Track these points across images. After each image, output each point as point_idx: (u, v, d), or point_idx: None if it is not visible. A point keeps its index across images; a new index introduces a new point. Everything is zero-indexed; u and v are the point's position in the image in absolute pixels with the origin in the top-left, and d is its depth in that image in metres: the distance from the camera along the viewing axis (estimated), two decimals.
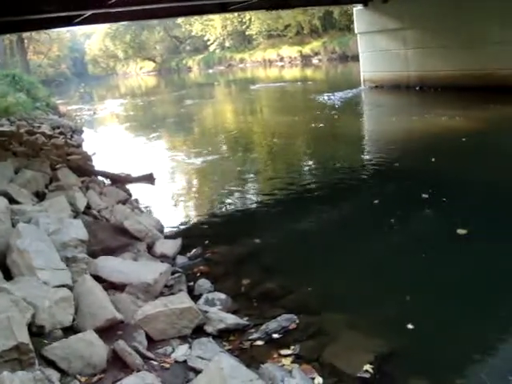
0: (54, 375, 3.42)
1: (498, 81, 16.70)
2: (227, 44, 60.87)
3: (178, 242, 6.41)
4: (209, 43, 61.53)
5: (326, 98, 20.21)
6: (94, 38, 74.95)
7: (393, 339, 4.30)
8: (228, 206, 8.10)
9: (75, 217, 6.32)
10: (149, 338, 4.22)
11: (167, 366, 3.91)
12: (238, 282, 5.50)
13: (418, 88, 19.82)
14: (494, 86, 16.60)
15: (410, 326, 4.47)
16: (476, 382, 3.71)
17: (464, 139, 10.84)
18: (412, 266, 5.67)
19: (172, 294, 4.97)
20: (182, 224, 7.55)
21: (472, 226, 6.22)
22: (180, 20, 58.57)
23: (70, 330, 4.01)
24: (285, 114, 18.64)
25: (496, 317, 4.54)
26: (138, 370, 3.65)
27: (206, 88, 36.20)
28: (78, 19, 13.19)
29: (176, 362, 3.98)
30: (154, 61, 71.75)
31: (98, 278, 4.84)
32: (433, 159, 9.36)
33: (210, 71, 57.29)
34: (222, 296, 5.07)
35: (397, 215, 7.02)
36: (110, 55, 72.60)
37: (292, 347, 4.26)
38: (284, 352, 4.19)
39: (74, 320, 4.12)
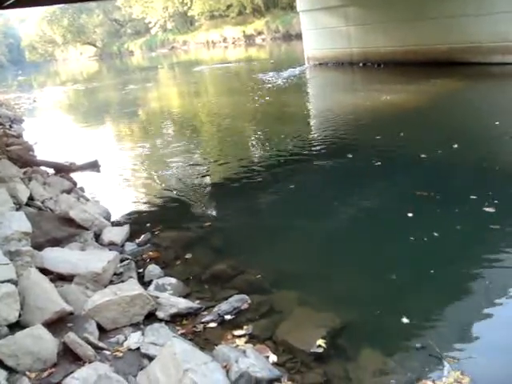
0: (1, 374, 3.33)
1: (436, 56, 17.11)
2: (169, 26, 59.91)
3: (126, 228, 6.32)
4: (150, 26, 60.39)
5: (270, 77, 20.23)
6: (29, 23, 72.24)
7: (344, 313, 4.37)
8: (176, 191, 8.02)
9: (18, 209, 6.13)
10: (100, 327, 4.16)
11: (120, 354, 3.87)
12: (189, 265, 5.49)
13: (361, 64, 20.08)
14: (433, 60, 17.02)
15: (360, 300, 4.59)
16: (423, 349, 3.82)
17: (407, 113, 11.07)
18: (361, 241, 5.77)
19: (122, 281, 4.90)
20: (129, 210, 7.43)
21: (420, 200, 6.41)
22: (119, 2, 57.19)
23: (17, 326, 3.90)
24: (230, 94, 18.57)
25: (441, 286, 4.68)
26: (91, 361, 3.60)
27: (150, 72, 35.54)
28: (7, 2, 12.61)
29: (129, 350, 3.94)
30: (95, 45, 69.98)
31: (44, 271, 4.73)
32: (378, 136, 9.53)
33: (153, 54, 56.33)
34: (173, 281, 5.04)
35: (346, 190, 7.15)
36: (48, 40, 70.22)
37: (245, 327, 4.28)
38: (237, 333, 4.21)
39: (20, 315, 4.00)
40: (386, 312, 4.38)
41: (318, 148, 9.62)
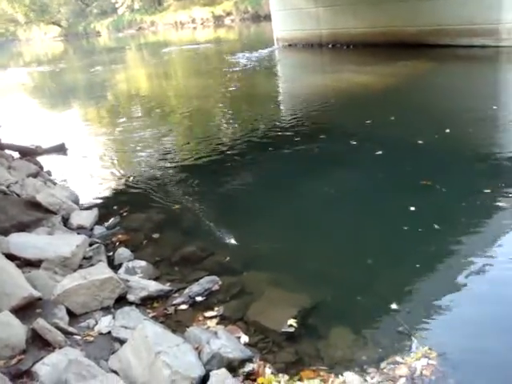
0: None
1: (405, 38, 17.23)
2: (137, 6, 58.77)
3: (95, 212, 6.24)
4: (117, 6, 59.14)
5: (240, 58, 20.10)
6: None
7: (315, 293, 4.42)
8: (145, 173, 7.94)
9: None
10: (70, 312, 4.12)
11: (91, 339, 3.85)
12: (159, 248, 5.47)
13: (330, 46, 20.09)
14: (402, 42, 17.14)
15: (330, 279, 4.65)
16: (392, 326, 3.89)
17: (377, 95, 11.15)
18: (332, 221, 5.82)
19: (91, 265, 4.85)
20: (98, 194, 7.33)
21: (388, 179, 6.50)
22: None
23: None
24: (199, 76, 18.39)
25: (410, 266, 4.75)
26: (61, 347, 3.56)
27: (117, 53, 34.90)
28: None
29: (100, 334, 3.92)
30: (60, 25, 68.17)
31: (10, 256, 4.65)
32: (348, 117, 9.59)
33: (120, 35, 55.28)
34: (143, 263, 5.01)
35: (318, 171, 7.18)
36: (9, 19, 67.98)
37: (216, 309, 4.30)
38: (208, 314, 4.23)
39: None
40: (356, 291, 4.44)
41: (289, 129, 9.62)
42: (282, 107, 12.29)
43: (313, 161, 7.74)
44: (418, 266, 4.70)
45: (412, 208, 5.66)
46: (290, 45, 21.72)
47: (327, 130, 9.21)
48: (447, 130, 8.13)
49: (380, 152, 7.40)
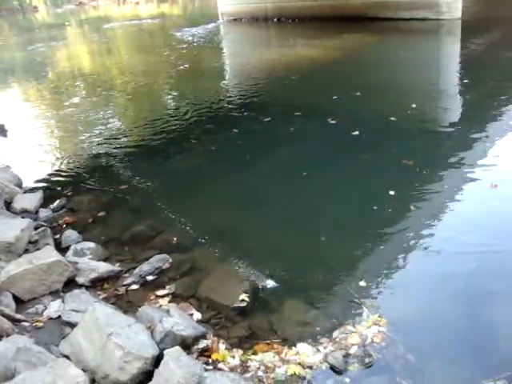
0: None
1: (350, 11, 17.33)
2: None
3: (39, 194, 6.05)
4: None
5: (185, 33, 19.78)
6: None
7: (266, 267, 4.45)
8: (91, 154, 7.73)
9: None
10: (17, 299, 4.02)
11: (40, 324, 3.77)
12: (107, 228, 5.38)
13: (276, 20, 20.00)
14: (346, 16, 17.24)
15: (281, 253, 4.69)
16: (344, 296, 3.97)
17: (327, 67, 11.21)
18: (282, 196, 5.86)
19: (38, 249, 4.71)
20: (41, 176, 7.10)
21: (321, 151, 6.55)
22: None
23: None
24: (144, 52, 17.99)
25: (359, 237, 4.85)
26: (8, 335, 3.47)
27: (57, 29, 33.69)
28: None
29: (50, 319, 3.84)
30: None
31: None
32: (295, 90, 9.59)
33: (59, 11, 53.40)
34: (92, 245, 4.92)
35: (264, 146, 7.19)
36: None
37: (168, 287, 4.28)
38: (160, 293, 4.20)
39: None
40: (307, 264, 4.52)
41: (237, 104, 9.58)
42: (230, 83, 12.18)
43: (263, 137, 7.72)
44: (367, 238, 4.79)
45: (392, 192, 5.67)
46: (234, 19, 21.50)
47: (277, 105, 9.21)
48: (413, 105, 8.27)
49: (357, 132, 7.29)
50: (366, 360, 3.30)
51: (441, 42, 14.43)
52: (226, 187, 6.16)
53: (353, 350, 3.38)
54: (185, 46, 17.31)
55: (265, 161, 6.73)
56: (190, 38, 18.58)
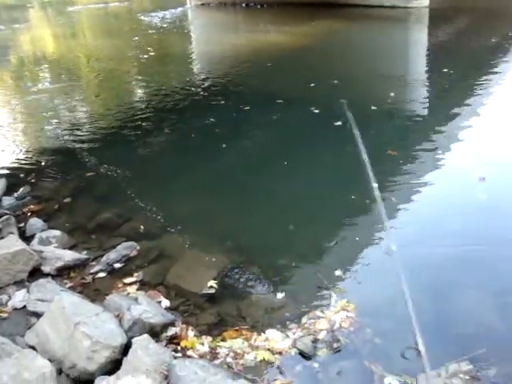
0: None
1: None
2: None
3: (2, 182, 5.90)
4: None
5: (151, 17, 19.48)
6: None
7: (234, 253, 4.47)
8: (55, 141, 7.54)
9: None
10: None
11: (5, 315, 3.70)
12: (73, 216, 5.28)
13: (244, 5, 19.84)
14: (316, 2, 17.20)
15: (249, 238, 4.70)
16: (312, 282, 4.00)
17: (294, 53, 11.20)
18: (249, 180, 5.87)
19: (1, 238, 4.61)
20: (4, 164, 6.92)
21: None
22: None
23: None
24: (110, 36, 17.66)
25: (325, 221, 4.92)
26: None
27: (18, 11, 32.67)
28: None
29: (14, 309, 3.78)
30: None
31: None
32: (265, 76, 9.56)
33: None
34: (57, 233, 4.83)
35: (231, 133, 7.16)
36: None
37: (135, 274, 4.25)
38: (128, 280, 4.17)
39: None
40: (275, 249, 4.53)
41: (204, 90, 9.51)
42: (198, 69, 12.07)
43: (226, 121, 7.69)
44: (339, 226, 4.83)
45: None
46: (202, 4, 21.26)
47: (254, 93, 9.17)
48: (392, 94, 8.32)
49: (340, 123, 7.22)
50: (335, 345, 3.33)
51: (409, 29, 14.56)
52: (196, 175, 6.10)
53: (321, 336, 3.41)
54: (152, 30, 17.05)
55: (240, 149, 6.71)
56: (158, 23, 18.31)
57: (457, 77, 9.20)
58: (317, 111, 7.62)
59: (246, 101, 8.45)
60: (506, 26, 14.26)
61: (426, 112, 7.85)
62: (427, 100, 8.42)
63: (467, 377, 3.03)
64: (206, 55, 13.54)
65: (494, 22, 14.61)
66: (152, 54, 13.54)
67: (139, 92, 10.47)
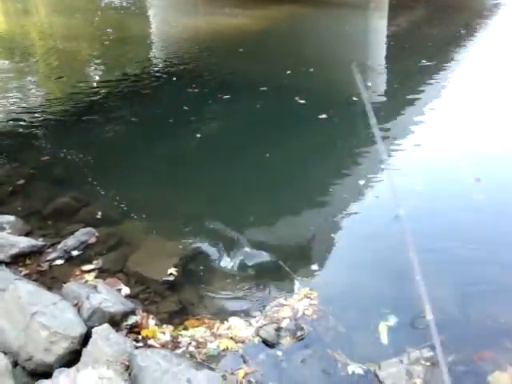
0: None
1: None
2: None
3: None
4: None
5: None
6: None
7: (194, 239, 4.41)
8: (5, 125, 7.17)
9: None
10: None
11: None
12: (28, 201, 5.07)
13: None
14: None
15: (209, 224, 4.64)
16: (275, 269, 3.98)
17: (249, 37, 11.11)
18: (208, 165, 5.81)
19: None
20: None
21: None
22: None
23: None
24: (65, 14, 16.99)
25: (289, 209, 4.90)
26: None
27: None
28: None
29: None
30: None
31: None
32: (221, 59, 9.44)
33: None
34: (11, 218, 4.62)
35: (191, 115, 7.04)
36: None
37: (94, 262, 4.13)
38: (86, 268, 4.05)
39: None
40: (237, 237, 4.47)
41: (164, 73, 9.31)
42: (156, 51, 11.77)
43: (185, 105, 7.53)
44: (301, 213, 4.83)
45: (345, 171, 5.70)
46: None
47: (197, 73, 9.05)
48: (369, 84, 8.33)
49: (324, 116, 7.07)
50: (298, 333, 3.33)
51: (369, 17, 14.65)
52: (154, 157, 5.99)
53: (284, 324, 3.40)
54: (108, 9, 16.57)
55: (192, 129, 6.59)
56: (114, 3, 17.79)
57: (415, 63, 9.35)
58: (302, 101, 7.49)
59: (196, 82, 8.39)
60: (461, 15, 14.71)
61: (385, 99, 7.92)
62: (389, 87, 8.50)
63: (428, 363, 3.09)
64: (166, 37, 13.24)
65: (450, 12, 14.92)
66: (110, 33, 13.13)
67: (96, 73, 10.13)
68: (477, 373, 3.04)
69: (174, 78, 8.96)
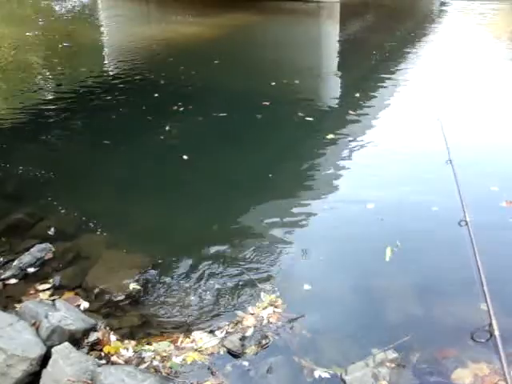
0: None
1: None
2: None
3: None
4: None
5: (56, 5, 18.53)
6: None
7: (153, 251, 4.33)
8: None
9: None
10: None
11: None
12: None
13: None
14: None
15: (168, 235, 4.61)
16: (239, 278, 3.95)
17: (203, 45, 11.11)
18: (165, 174, 5.76)
19: None
20: None
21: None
22: None
23: None
24: (11, 23, 16.58)
25: (257, 219, 4.88)
26: None
27: None
28: None
29: None
30: None
31: None
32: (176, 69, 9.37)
33: None
34: None
35: (147, 125, 6.98)
36: None
37: (51, 278, 4.01)
38: (43, 286, 3.93)
39: None
40: (197, 247, 4.42)
41: (116, 83, 9.17)
42: (108, 60, 11.59)
43: (141, 115, 7.45)
44: (263, 218, 4.81)
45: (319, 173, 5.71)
46: None
47: (149, 82, 8.99)
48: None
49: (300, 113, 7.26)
50: (263, 341, 3.30)
51: (321, 23, 14.89)
52: (109, 169, 5.90)
53: (249, 333, 3.37)
54: (56, 18, 16.24)
55: (149, 140, 6.54)
56: (62, 11, 17.48)
57: (367, 66, 9.56)
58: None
59: (153, 93, 8.33)
60: (407, 21, 15.28)
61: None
62: (341, 91, 8.63)
63: (393, 365, 3.11)
64: (117, 47, 13.07)
65: (398, 18, 15.37)
66: (58, 43, 12.84)
67: (45, 83, 9.87)
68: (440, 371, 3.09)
69: (130, 89, 8.84)
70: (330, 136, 6.51)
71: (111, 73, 10.25)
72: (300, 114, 7.18)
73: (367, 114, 7.31)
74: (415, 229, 4.57)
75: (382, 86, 8.59)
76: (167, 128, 6.85)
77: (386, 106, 7.69)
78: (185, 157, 6.00)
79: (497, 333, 3.15)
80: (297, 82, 8.75)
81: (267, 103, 7.57)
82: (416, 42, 11.87)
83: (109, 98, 8.43)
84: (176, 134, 6.72)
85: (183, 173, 5.80)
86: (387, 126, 7.03)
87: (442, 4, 17.24)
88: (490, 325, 3.22)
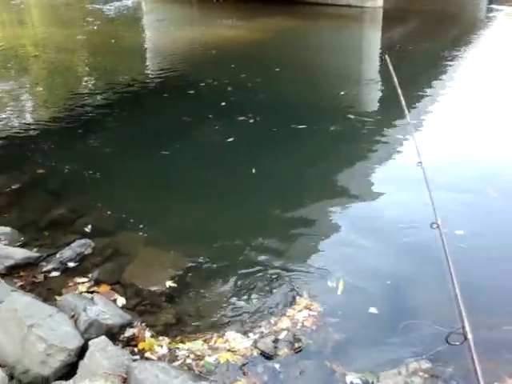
0: None
1: None
2: None
3: None
4: None
5: (102, 8, 18.92)
6: None
7: (191, 250, 4.37)
8: (2, 136, 7.16)
9: None
10: None
11: None
12: (24, 213, 5.05)
13: None
14: None
15: (206, 235, 4.63)
16: (273, 281, 3.96)
17: (247, 48, 11.19)
18: (204, 176, 5.80)
19: None
20: None
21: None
22: None
23: None
24: (60, 26, 17.01)
25: (291, 223, 4.89)
26: None
27: None
28: None
29: None
30: None
31: None
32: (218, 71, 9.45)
33: None
34: (7, 230, 4.60)
35: (185, 127, 7.06)
36: None
37: (90, 273, 4.10)
38: (82, 279, 4.02)
39: None
40: (235, 247, 4.45)
41: (157, 84, 9.32)
42: (151, 62, 11.81)
43: (180, 116, 7.54)
44: (297, 223, 4.82)
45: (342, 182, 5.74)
46: None
47: (195, 84, 9.05)
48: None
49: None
50: (296, 345, 3.30)
51: (364, 28, 14.80)
52: (149, 168, 5.99)
53: (282, 335, 3.37)
54: (103, 21, 16.52)
55: (187, 142, 6.62)
56: (109, 14, 17.81)
57: (406, 76, 9.43)
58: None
59: (194, 94, 8.36)
60: (450, 26, 15.00)
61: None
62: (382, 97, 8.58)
63: (426, 375, 3.07)
64: (161, 49, 13.28)
65: (441, 23, 15.14)
66: (104, 45, 13.12)
67: (90, 84, 10.11)
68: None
69: (166, 88, 8.96)
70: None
71: (154, 75, 10.39)
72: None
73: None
74: None
75: (426, 91, 8.53)
76: (210, 130, 6.92)
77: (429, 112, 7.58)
78: (226, 156, 6.06)
79: None
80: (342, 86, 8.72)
81: (351, 116, 7.46)
82: (460, 50, 11.65)
83: (151, 99, 8.58)
84: (220, 136, 6.76)
85: (224, 173, 5.84)
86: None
87: (490, 10, 16.92)
88: None
